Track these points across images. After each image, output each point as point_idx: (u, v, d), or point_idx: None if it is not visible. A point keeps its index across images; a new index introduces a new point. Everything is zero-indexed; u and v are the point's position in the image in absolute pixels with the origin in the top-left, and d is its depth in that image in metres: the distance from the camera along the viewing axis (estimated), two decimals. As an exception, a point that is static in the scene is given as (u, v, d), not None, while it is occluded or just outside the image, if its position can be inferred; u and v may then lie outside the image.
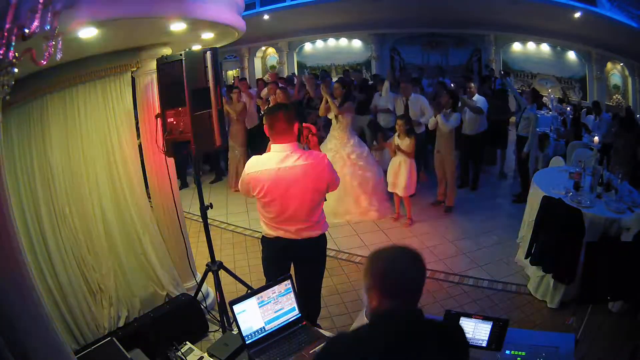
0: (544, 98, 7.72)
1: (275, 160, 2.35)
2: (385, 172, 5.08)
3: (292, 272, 2.47)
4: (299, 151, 2.39)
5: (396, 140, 4.79)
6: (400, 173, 4.78)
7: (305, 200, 2.38)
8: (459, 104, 5.30)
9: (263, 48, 12.90)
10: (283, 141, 2.36)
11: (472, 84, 5.81)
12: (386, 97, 6.24)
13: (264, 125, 2.42)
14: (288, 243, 2.47)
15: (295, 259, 2.57)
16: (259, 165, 2.38)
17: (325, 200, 2.59)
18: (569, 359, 1.73)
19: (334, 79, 8.45)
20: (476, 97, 5.61)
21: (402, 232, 4.80)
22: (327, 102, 5.07)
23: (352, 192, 5.06)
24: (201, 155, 3.09)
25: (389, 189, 4.99)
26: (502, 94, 6.66)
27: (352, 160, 5.09)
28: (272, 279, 2.17)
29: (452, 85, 7.54)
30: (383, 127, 6.20)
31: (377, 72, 10.96)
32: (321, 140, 5.48)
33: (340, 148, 5.12)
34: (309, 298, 2.62)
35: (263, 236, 2.58)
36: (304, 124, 2.51)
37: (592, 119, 7.13)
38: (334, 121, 5.17)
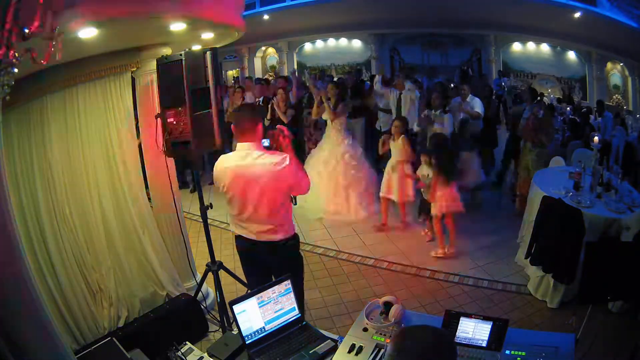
0: (545, 98, 7.69)
1: (236, 158, 2.39)
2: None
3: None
4: (261, 150, 2.40)
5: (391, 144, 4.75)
6: (393, 177, 4.71)
7: (263, 200, 2.36)
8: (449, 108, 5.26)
9: (263, 48, 12.91)
10: (246, 140, 2.38)
11: (466, 86, 5.71)
12: (381, 93, 6.26)
13: (231, 125, 2.44)
14: (250, 244, 2.48)
15: (261, 262, 2.53)
16: (222, 162, 2.42)
17: (295, 204, 2.57)
18: (569, 359, 1.72)
19: (335, 78, 8.45)
20: (470, 98, 5.55)
21: (401, 232, 4.79)
22: (320, 104, 5.14)
23: (343, 192, 5.12)
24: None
25: (383, 194, 4.80)
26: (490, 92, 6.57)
27: (346, 160, 5.16)
28: (247, 279, 2.15)
29: (452, 85, 7.53)
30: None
31: (377, 72, 10.96)
32: (316, 143, 5.60)
33: (334, 148, 5.20)
34: None
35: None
36: (277, 126, 2.52)
37: (592, 118, 7.13)
38: (328, 122, 5.23)
